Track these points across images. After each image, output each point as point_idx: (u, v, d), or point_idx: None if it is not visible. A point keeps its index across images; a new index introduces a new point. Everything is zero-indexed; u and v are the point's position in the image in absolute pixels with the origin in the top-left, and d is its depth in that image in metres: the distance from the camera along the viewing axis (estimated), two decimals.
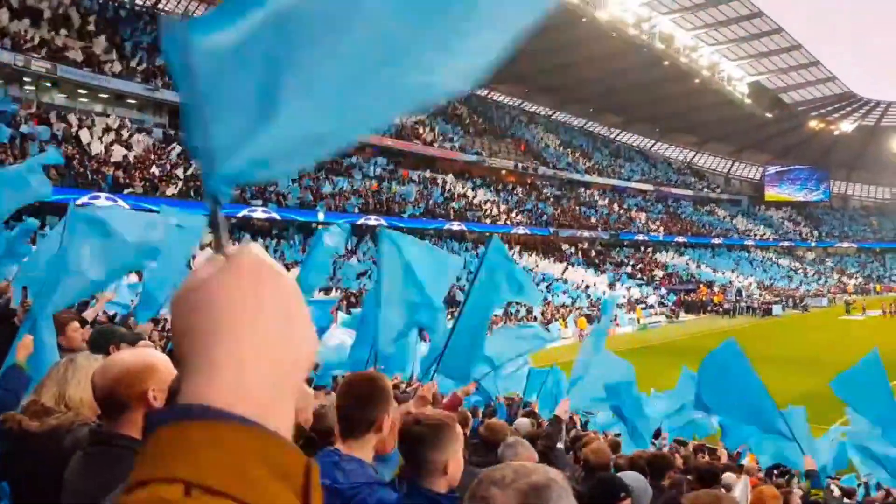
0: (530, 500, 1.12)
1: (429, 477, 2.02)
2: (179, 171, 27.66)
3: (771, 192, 72.61)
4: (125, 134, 28.24)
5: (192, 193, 27.06)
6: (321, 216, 31.81)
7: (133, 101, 30.27)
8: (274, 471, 0.47)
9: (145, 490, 0.44)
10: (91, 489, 1.51)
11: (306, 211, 31.19)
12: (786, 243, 66.41)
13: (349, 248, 33.00)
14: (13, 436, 2.24)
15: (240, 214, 28.69)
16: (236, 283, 0.54)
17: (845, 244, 68.61)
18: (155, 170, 26.93)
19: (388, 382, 2.29)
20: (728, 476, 6.51)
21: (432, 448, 2.01)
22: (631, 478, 3.73)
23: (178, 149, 29.18)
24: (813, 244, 68.33)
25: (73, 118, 26.92)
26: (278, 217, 30.22)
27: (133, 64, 29.91)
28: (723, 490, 4.88)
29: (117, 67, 28.97)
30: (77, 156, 24.57)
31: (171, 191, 26.25)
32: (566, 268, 42.46)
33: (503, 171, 48.76)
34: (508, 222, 42.66)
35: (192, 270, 0.59)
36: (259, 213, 29.18)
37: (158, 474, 0.44)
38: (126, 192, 24.20)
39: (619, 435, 8.27)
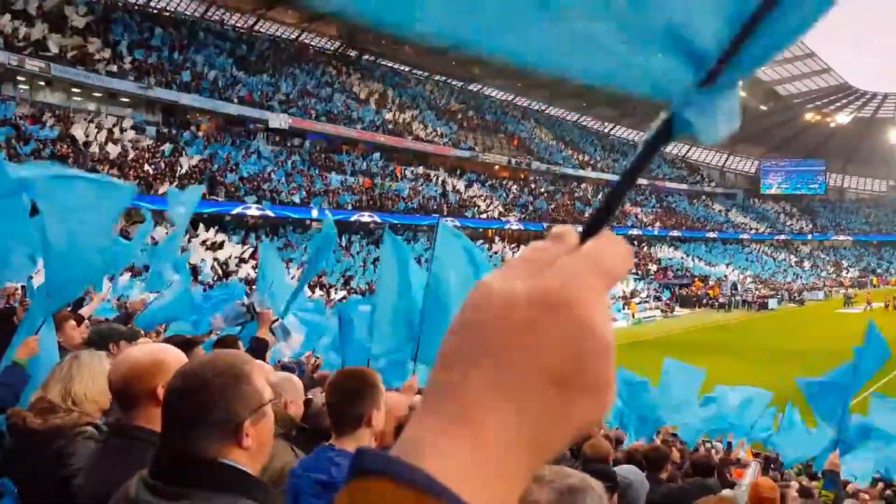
0: (565, 499, 1.17)
1: None
2: (173, 169, 27.62)
3: (766, 186, 72.78)
4: (118, 132, 28.16)
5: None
6: (315, 213, 31.80)
7: (126, 100, 30.18)
8: None
9: None
10: (107, 479, 1.54)
11: (300, 208, 31.17)
12: (781, 237, 66.58)
13: (342, 244, 33.00)
14: (17, 432, 2.27)
15: (234, 212, 28.64)
16: (564, 319, 0.39)
17: (841, 237, 68.81)
18: (149, 168, 26.87)
19: (376, 377, 2.30)
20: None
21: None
22: (627, 471, 3.77)
23: (171, 146, 29.13)
24: (809, 237, 68.51)
25: (67, 116, 26.87)
26: (272, 214, 30.16)
27: (126, 62, 29.82)
28: (727, 492, 4.92)
29: (110, 66, 28.89)
30: (71, 154, 24.49)
31: (164, 189, 26.19)
32: None
33: (496, 167, 48.76)
34: (502, 217, 42.69)
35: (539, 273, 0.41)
36: (253, 210, 29.11)
37: None
38: None
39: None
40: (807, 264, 62.85)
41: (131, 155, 27.10)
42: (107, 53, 29.44)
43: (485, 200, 43.14)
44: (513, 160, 49.43)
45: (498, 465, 0.38)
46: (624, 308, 37.11)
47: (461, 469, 0.37)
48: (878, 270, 63.54)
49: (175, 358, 1.83)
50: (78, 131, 26.22)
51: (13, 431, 2.27)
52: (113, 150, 26.52)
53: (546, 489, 1.18)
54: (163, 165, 27.54)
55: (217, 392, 1.33)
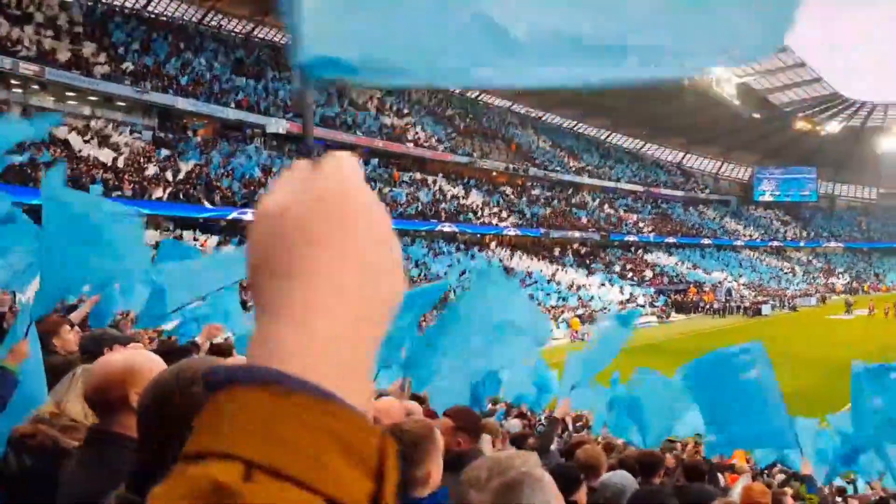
0: (505, 499, 1.14)
1: (413, 489, 2.03)
2: (169, 174, 27.56)
3: (759, 194, 73.16)
4: (114, 136, 28.12)
5: (181, 196, 26.98)
6: None
7: (122, 104, 30.14)
8: (349, 453, 0.39)
9: (199, 466, 0.37)
10: (86, 488, 1.52)
11: None
12: (774, 243, 66.87)
13: None
14: (45, 452, 2.13)
15: (230, 217, 28.57)
16: (324, 209, 0.46)
17: (833, 244, 69.21)
18: (144, 172, 26.83)
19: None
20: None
21: (413, 465, 2.01)
22: (619, 476, 3.78)
23: (167, 151, 29.10)
24: (801, 244, 68.86)
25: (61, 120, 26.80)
26: None
27: (122, 66, 29.81)
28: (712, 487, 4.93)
29: (106, 70, 28.86)
30: (65, 159, 24.44)
31: (158, 193, 26.16)
32: (557, 269, 42.59)
33: (494, 173, 48.86)
34: (499, 223, 42.75)
35: (276, 181, 0.50)
36: (249, 216, 28.99)
37: (215, 447, 0.37)
38: (115, 195, 24.08)
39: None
40: (799, 271, 63.10)
41: (127, 159, 27.06)
42: (102, 57, 29.44)
43: (482, 206, 43.21)
44: (510, 166, 49.54)
45: (335, 347, 0.42)
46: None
47: (316, 363, 0.41)
48: (871, 277, 63.87)
49: (147, 364, 1.78)
50: (73, 135, 26.18)
51: (38, 451, 2.15)
52: (107, 155, 26.48)
53: (484, 493, 1.17)
54: (158, 170, 27.49)
55: (186, 405, 1.28)
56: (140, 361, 1.81)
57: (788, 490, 6.43)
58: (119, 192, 24.51)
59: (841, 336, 28.94)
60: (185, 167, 28.61)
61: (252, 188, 30.18)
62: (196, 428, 0.39)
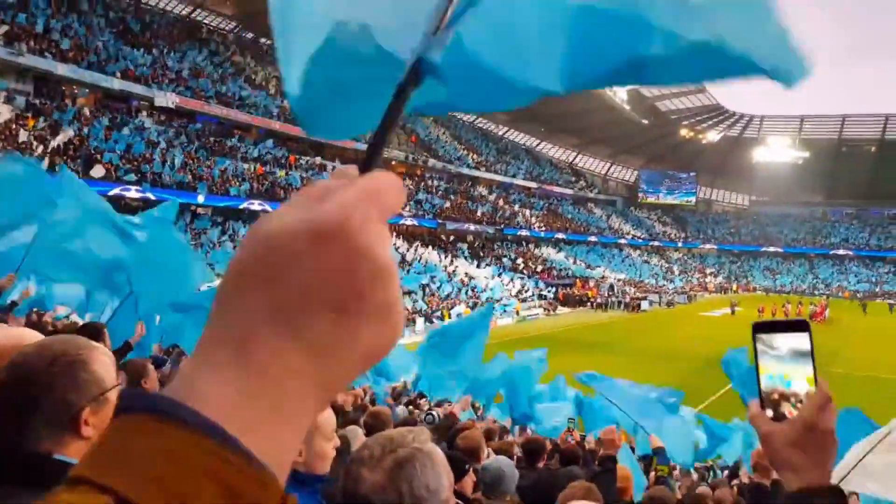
0: (396, 478, 1.16)
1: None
2: (41, 146, 25.64)
3: (643, 195, 77.23)
4: None
5: (55, 168, 25.16)
6: (201, 198, 30.51)
7: None
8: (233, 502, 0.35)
9: (73, 493, 0.34)
10: None
11: (184, 192, 29.69)
12: (655, 243, 70.85)
13: (229, 232, 31.94)
14: None
15: (111, 193, 26.95)
16: (339, 247, 0.39)
17: (707, 246, 74.17)
18: (17, 139, 24.79)
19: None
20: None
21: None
22: (500, 462, 3.99)
23: (44, 119, 27.05)
24: (679, 245, 73.39)
25: None
26: (153, 197, 28.58)
27: None
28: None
29: None
30: None
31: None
32: (451, 260, 43.20)
33: (393, 162, 48.77)
34: (396, 213, 42.69)
35: (300, 193, 0.42)
36: (133, 192, 27.51)
37: (93, 476, 0.35)
38: None
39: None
40: (676, 270, 67.16)
41: None
42: None
43: None
44: (410, 157, 49.63)
45: (277, 395, 0.38)
46: (507, 308, 38.18)
47: (232, 402, 0.37)
48: (740, 278, 68.98)
49: (10, 341, 1.62)
50: None
51: None
52: None
53: (377, 471, 1.18)
54: (33, 139, 25.50)
55: (47, 382, 1.25)
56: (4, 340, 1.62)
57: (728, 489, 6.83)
58: None
59: (712, 332, 31.17)
60: (61, 137, 26.70)
61: (136, 164, 28.64)
62: (89, 450, 0.37)
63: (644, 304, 47.18)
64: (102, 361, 1.35)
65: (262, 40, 46.07)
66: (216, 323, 0.39)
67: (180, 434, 0.35)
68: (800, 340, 0.95)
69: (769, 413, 0.95)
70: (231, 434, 0.36)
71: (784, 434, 0.92)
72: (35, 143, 25.35)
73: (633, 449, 9.27)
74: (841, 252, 68.61)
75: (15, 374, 1.26)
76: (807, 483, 0.90)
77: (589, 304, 45.54)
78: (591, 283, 50.33)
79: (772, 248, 71.68)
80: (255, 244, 0.39)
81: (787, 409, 0.94)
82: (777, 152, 71.10)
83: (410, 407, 8.39)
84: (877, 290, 61.14)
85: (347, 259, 0.39)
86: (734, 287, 65.07)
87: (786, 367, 0.94)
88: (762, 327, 0.96)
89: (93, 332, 3.79)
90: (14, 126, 25.55)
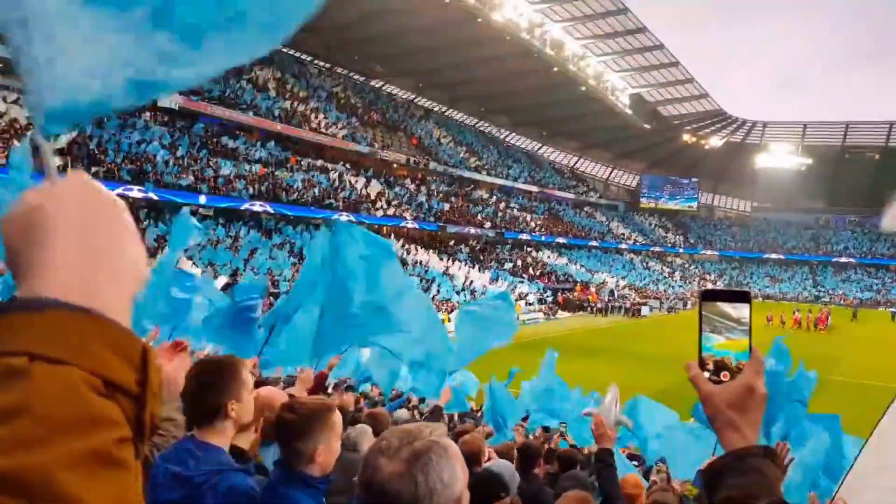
0: (412, 468, 1.21)
1: (298, 463, 2.09)
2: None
3: (645, 200, 77.20)
4: None
5: (65, 169, 25.14)
6: (203, 199, 30.52)
7: None
8: (113, 348, 0.54)
9: (36, 364, 0.49)
10: None
11: (186, 193, 29.73)
12: (656, 248, 70.80)
13: (232, 235, 31.93)
14: None
15: (113, 193, 26.91)
16: (67, 199, 0.59)
17: (708, 252, 74.10)
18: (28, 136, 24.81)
19: (237, 367, 2.24)
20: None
21: (301, 437, 2.08)
22: (500, 466, 3.96)
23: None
24: (680, 250, 73.35)
25: None
26: (156, 197, 28.65)
27: None
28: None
29: None
30: None
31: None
32: (452, 263, 43.17)
33: (394, 164, 48.82)
34: (397, 215, 42.78)
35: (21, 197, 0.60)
36: (135, 192, 27.54)
37: (2, 348, 0.50)
38: None
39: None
40: (677, 276, 67.11)
41: None
42: None
43: (381, 197, 43.06)
44: (411, 159, 49.63)
45: (85, 279, 0.57)
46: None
47: (62, 287, 0.55)
48: (740, 284, 68.87)
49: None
50: None
51: None
52: None
53: (395, 461, 1.22)
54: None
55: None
56: None
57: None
58: None
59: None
60: (65, 138, 26.68)
61: (138, 164, 28.64)
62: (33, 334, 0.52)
63: (644, 310, 47.15)
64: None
65: None
66: (34, 262, 0.58)
67: (61, 313, 0.53)
68: (741, 310, 1.02)
69: (706, 375, 1.02)
70: (95, 308, 0.54)
71: (726, 395, 0.99)
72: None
73: (641, 459, 9.19)
74: (843, 260, 68.47)
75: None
76: (749, 442, 0.96)
77: (589, 308, 45.51)
78: (592, 288, 50.30)
79: (773, 255, 71.60)
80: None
81: (723, 373, 1.01)
82: (779, 158, 71.06)
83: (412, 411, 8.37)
84: (879, 297, 61.02)
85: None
86: None
87: (726, 334, 1.02)
88: (709, 295, 1.04)
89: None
90: (18, 125, 25.60)
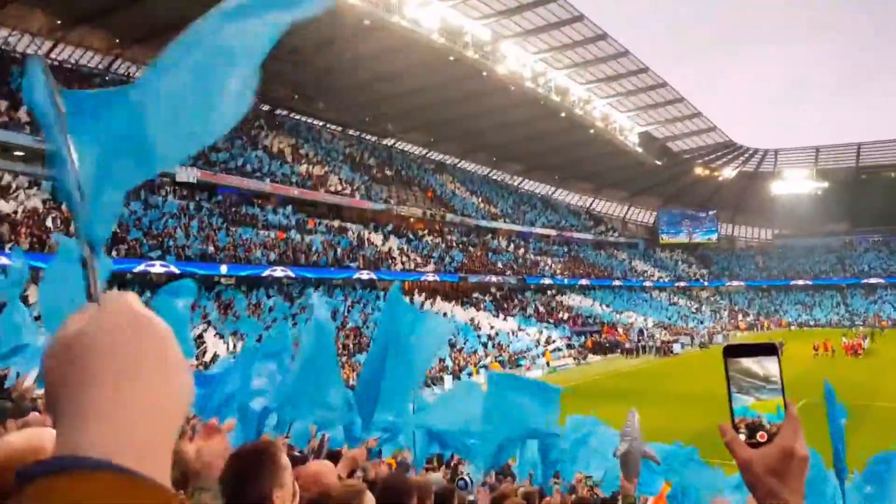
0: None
1: None
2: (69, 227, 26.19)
3: (664, 236, 76.73)
4: (14, 187, 26.61)
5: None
6: (224, 269, 30.83)
7: (21, 154, 28.60)
8: None
9: None
10: None
11: (207, 264, 30.09)
12: (681, 283, 70.01)
13: (256, 302, 32.09)
14: None
15: (136, 269, 27.37)
16: (112, 332, 0.56)
17: (735, 283, 73.09)
18: (46, 225, 25.40)
19: (276, 451, 2.16)
20: None
21: None
22: None
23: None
24: (705, 283, 72.43)
25: None
26: (177, 270, 28.96)
27: (20, 114, 28.40)
28: None
29: (3, 118, 27.46)
30: None
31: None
32: (476, 313, 42.94)
33: (411, 219, 49.19)
34: (418, 269, 42.87)
35: (64, 322, 0.58)
36: (157, 268, 27.90)
37: None
38: (8, 247, 22.63)
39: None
40: (706, 309, 66.09)
41: (27, 211, 25.63)
42: (0, 105, 28.03)
43: (401, 253, 43.27)
44: (427, 212, 50.01)
45: (131, 434, 0.53)
46: (539, 356, 37.73)
47: (103, 446, 0.51)
48: (771, 313, 67.70)
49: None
50: None
51: None
52: (6, 207, 25.03)
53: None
54: (60, 222, 26.10)
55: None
56: (46, 440, 1.45)
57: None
58: (13, 244, 23.11)
59: None
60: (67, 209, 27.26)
61: (159, 239, 29.11)
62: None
63: (676, 347, 46.32)
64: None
65: (277, 111, 47.32)
66: (75, 405, 0.54)
67: (92, 479, 0.48)
68: (768, 367, 0.94)
69: (742, 437, 0.93)
70: (134, 469, 0.50)
71: (764, 461, 0.91)
72: (63, 229, 25.90)
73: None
74: (872, 280, 67.20)
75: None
76: None
77: (619, 350, 44.78)
78: (619, 329, 49.62)
79: (801, 281, 70.48)
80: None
81: (759, 434, 0.92)
82: (795, 184, 70.70)
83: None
84: None
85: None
86: (766, 323, 63.79)
87: (755, 393, 0.93)
88: (731, 351, 0.95)
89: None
90: (42, 212, 26.24)
